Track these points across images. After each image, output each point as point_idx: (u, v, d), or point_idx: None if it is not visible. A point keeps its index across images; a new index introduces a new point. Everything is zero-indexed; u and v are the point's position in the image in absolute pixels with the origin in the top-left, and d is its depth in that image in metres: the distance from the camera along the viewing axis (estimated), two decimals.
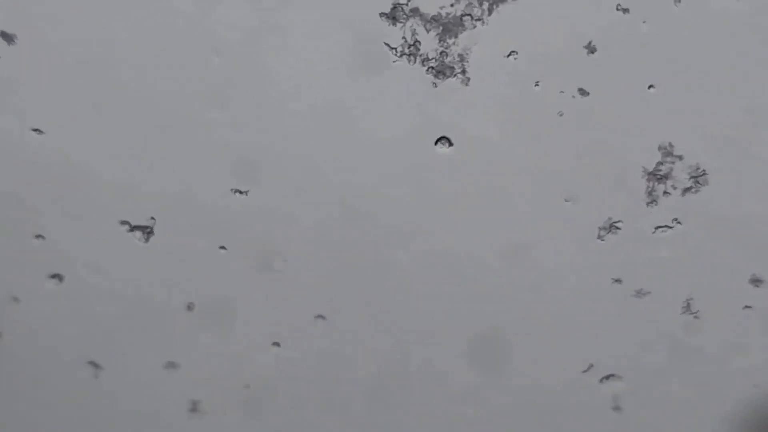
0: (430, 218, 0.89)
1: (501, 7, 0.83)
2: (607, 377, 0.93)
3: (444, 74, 0.85)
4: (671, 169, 0.87)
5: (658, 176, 0.87)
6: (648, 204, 0.88)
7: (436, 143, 0.87)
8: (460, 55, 0.84)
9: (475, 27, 0.83)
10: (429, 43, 0.84)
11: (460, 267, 0.90)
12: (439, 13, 0.83)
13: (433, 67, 0.85)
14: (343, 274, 0.91)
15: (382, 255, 0.90)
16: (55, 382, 0.93)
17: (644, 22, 0.83)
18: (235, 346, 0.92)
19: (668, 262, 0.89)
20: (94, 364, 0.93)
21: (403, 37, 0.84)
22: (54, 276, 0.90)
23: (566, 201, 0.88)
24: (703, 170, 0.87)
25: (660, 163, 0.87)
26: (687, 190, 0.87)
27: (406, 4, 0.83)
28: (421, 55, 0.84)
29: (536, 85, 0.85)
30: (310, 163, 0.88)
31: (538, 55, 0.84)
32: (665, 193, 0.87)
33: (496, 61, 0.84)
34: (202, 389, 0.94)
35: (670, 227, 0.88)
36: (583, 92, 0.85)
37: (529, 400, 0.93)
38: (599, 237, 0.89)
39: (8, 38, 0.83)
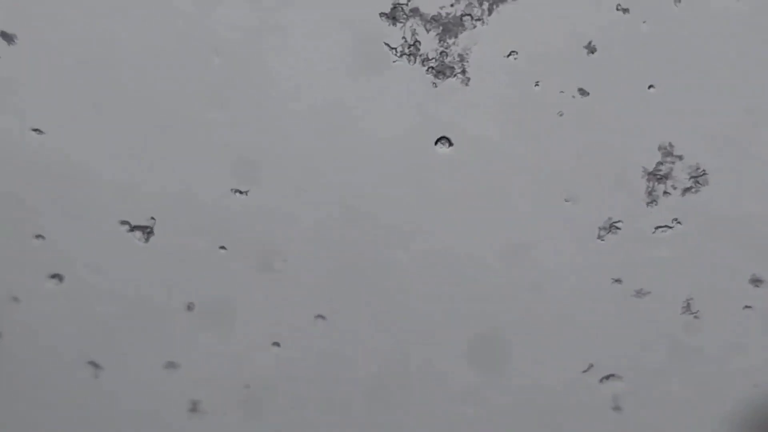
0: (430, 218, 0.89)
1: (501, 7, 0.83)
2: (607, 377, 0.93)
3: (444, 74, 0.85)
4: (671, 169, 0.87)
5: (658, 176, 0.87)
6: (648, 204, 0.88)
7: (436, 143, 0.87)
8: (460, 55, 0.84)
9: (475, 27, 0.83)
10: (429, 43, 0.84)
11: (460, 267, 0.90)
12: (439, 13, 0.83)
13: (433, 67, 0.85)
14: (343, 274, 0.91)
15: (382, 255, 0.90)
16: (54, 382, 0.93)
17: (644, 22, 0.83)
18: (235, 346, 0.92)
19: (668, 262, 0.89)
20: (94, 364, 0.93)
21: (403, 37, 0.84)
22: (54, 276, 0.90)
23: (566, 201, 0.88)
24: (703, 170, 0.87)
25: (660, 163, 0.87)
26: (687, 190, 0.87)
27: (406, 4, 0.83)
28: (421, 55, 0.84)
29: (536, 85, 0.85)
30: (310, 162, 0.88)
31: (538, 55, 0.84)
32: (665, 193, 0.87)
33: (496, 61, 0.84)
34: (202, 389, 0.94)
35: (670, 227, 0.88)
36: (583, 92, 0.85)
37: (529, 400, 0.93)
38: (599, 237, 0.89)
39: (8, 38, 0.83)
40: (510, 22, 0.83)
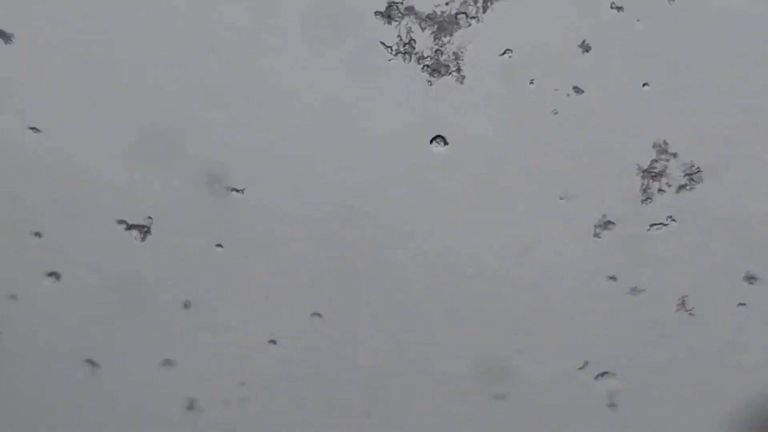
0: (428, 217, 0.89)
1: (496, 5, 0.83)
2: (603, 374, 0.93)
3: (439, 72, 0.85)
4: (666, 167, 0.87)
5: (653, 174, 0.87)
6: (643, 201, 0.88)
7: (431, 142, 0.87)
8: (455, 54, 0.85)
9: (470, 25, 0.84)
10: (424, 42, 0.84)
11: (457, 265, 0.90)
12: (434, 12, 0.83)
13: (428, 66, 0.85)
14: (341, 273, 0.91)
15: (382, 254, 0.90)
16: (52, 380, 0.93)
17: (638, 20, 0.83)
18: (232, 345, 0.93)
19: (663, 259, 0.89)
20: (92, 362, 0.93)
21: (399, 36, 0.84)
22: (51, 274, 0.91)
23: (561, 199, 0.88)
24: (698, 168, 0.87)
25: (655, 161, 0.87)
26: (682, 187, 0.87)
27: (401, 3, 0.83)
28: (416, 54, 0.85)
29: (531, 83, 0.85)
30: (308, 162, 0.88)
31: (532, 53, 0.84)
32: (660, 190, 0.88)
33: (491, 59, 0.85)
34: (199, 387, 0.94)
35: (665, 225, 0.88)
36: (577, 90, 0.85)
37: (526, 397, 0.93)
38: (595, 234, 0.89)
39: (5, 37, 0.83)
40: (505, 21, 0.83)
